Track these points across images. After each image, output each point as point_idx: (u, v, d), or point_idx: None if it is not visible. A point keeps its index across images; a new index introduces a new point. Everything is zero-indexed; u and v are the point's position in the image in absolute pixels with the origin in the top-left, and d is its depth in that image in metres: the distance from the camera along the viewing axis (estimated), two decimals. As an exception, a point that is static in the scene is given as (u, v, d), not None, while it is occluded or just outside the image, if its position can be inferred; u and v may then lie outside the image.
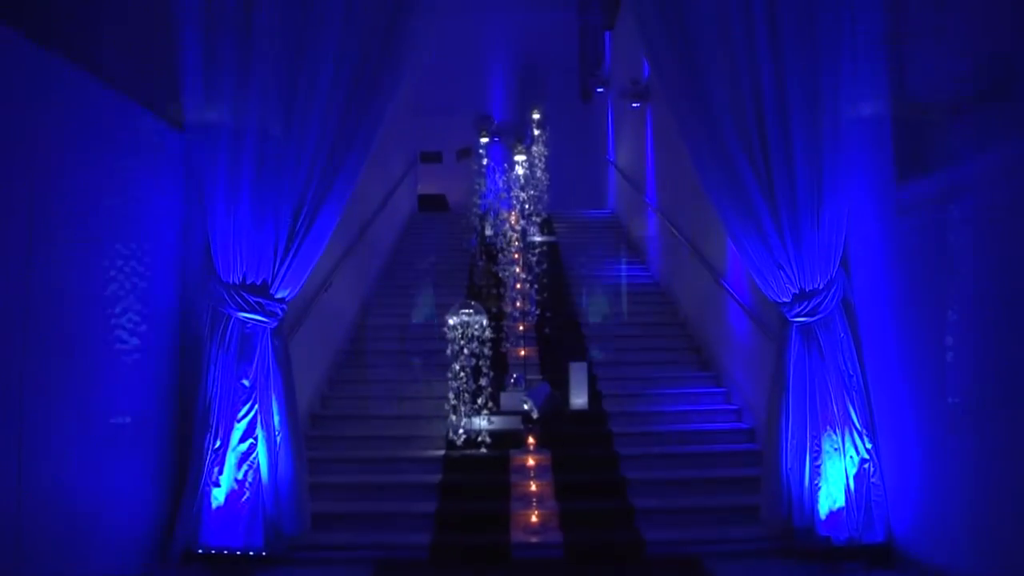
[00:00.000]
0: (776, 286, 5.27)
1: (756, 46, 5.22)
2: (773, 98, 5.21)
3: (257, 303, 5.04)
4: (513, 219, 9.37)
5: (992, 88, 4.16)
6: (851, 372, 5.16)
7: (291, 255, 5.13)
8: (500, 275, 9.34)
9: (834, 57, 5.15)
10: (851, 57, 5.18)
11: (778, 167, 5.20)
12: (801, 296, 5.20)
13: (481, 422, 7.24)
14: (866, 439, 5.08)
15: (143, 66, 5.19)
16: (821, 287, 5.20)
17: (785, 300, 5.25)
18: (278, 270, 5.12)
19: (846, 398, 5.13)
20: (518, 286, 9.25)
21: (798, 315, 5.21)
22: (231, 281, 5.06)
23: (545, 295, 9.46)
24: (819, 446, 5.14)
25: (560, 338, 9.18)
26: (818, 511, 5.12)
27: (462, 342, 7.38)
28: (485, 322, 7.44)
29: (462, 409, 7.22)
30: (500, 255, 9.42)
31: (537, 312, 9.29)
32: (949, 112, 4.56)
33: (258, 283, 5.09)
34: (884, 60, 5.04)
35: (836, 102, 5.16)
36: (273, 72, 5.11)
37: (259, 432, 5.06)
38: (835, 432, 5.12)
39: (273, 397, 5.14)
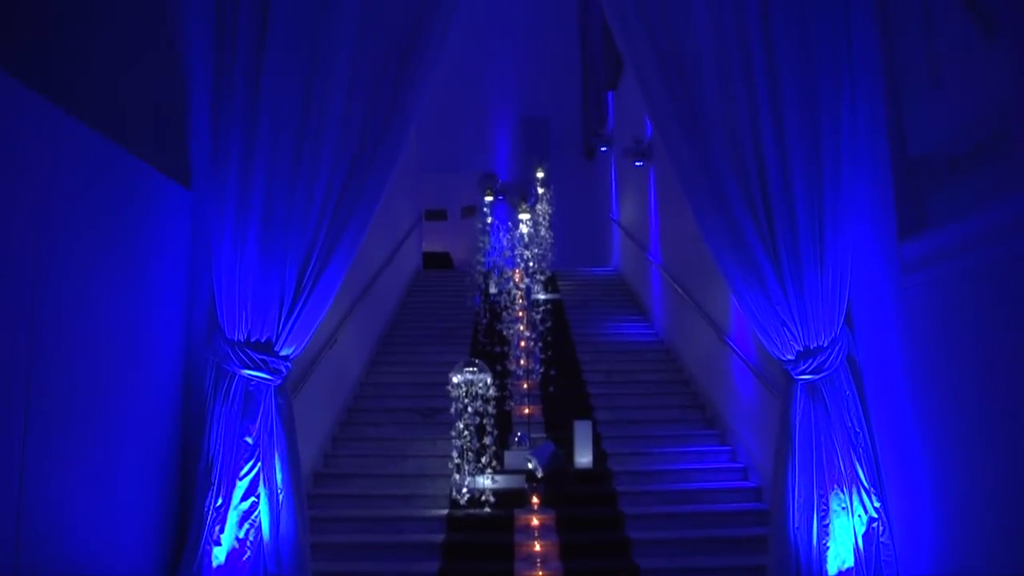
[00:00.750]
0: (780, 343, 5.26)
1: (757, 104, 5.28)
2: (775, 155, 5.26)
3: (261, 360, 5.03)
4: (517, 277, 9.41)
5: (989, 143, 4.20)
6: (857, 430, 5.13)
7: (296, 312, 5.14)
8: (504, 333, 9.37)
9: (834, 114, 5.22)
10: (851, 114, 5.24)
11: (781, 224, 5.23)
12: (806, 354, 5.18)
13: (485, 481, 7.19)
14: (874, 498, 5.02)
15: (150, 123, 5.27)
16: (826, 344, 5.18)
17: (789, 358, 5.24)
18: (283, 327, 5.13)
19: (853, 456, 5.08)
20: (522, 344, 9.27)
21: (803, 373, 5.18)
22: (236, 338, 5.06)
23: (549, 353, 9.46)
24: (827, 505, 5.08)
25: (564, 396, 9.15)
26: (826, 572, 5.03)
27: (466, 400, 7.36)
28: (489, 380, 7.43)
29: (466, 468, 7.18)
30: (504, 313, 9.45)
31: (541, 370, 9.29)
32: (948, 168, 4.60)
33: (263, 340, 5.09)
34: (883, 117, 5.10)
35: (837, 159, 5.21)
36: (281, 128, 5.17)
37: (261, 490, 5.02)
38: (842, 491, 5.07)
39: (276, 455, 5.11)
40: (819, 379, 5.20)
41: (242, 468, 5.02)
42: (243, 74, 5.20)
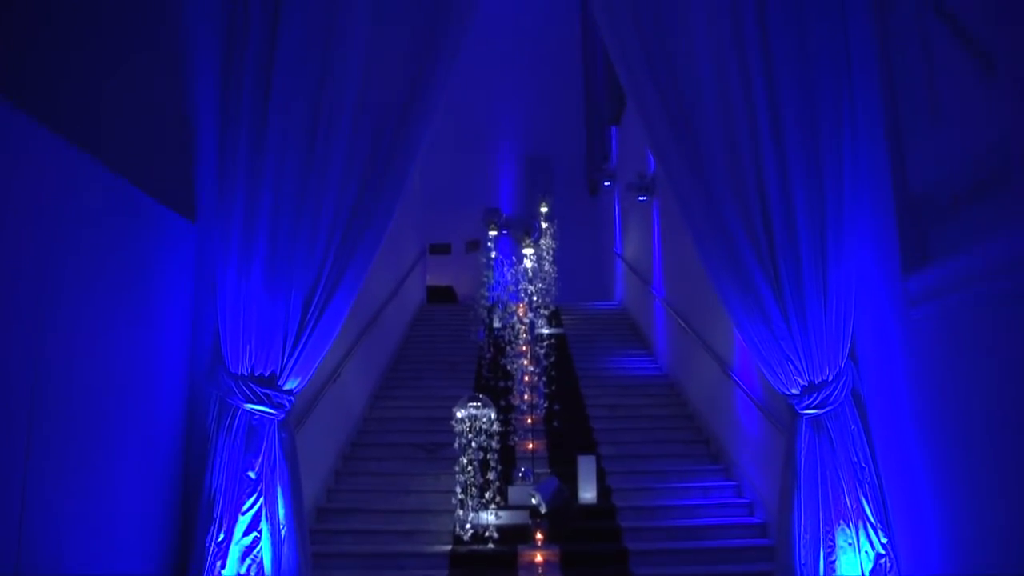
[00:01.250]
0: (784, 378, 5.25)
1: (759, 138, 5.32)
2: (777, 189, 5.29)
3: (265, 395, 5.03)
4: (521, 311, 9.41)
5: (991, 178, 4.22)
6: (863, 465, 5.09)
7: (300, 346, 5.14)
8: (508, 368, 9.35)
9: (836, 150, 5.25)
10: (852, 150, 5.27)
11: (784, 258, 5.24)
12: (810, 388, 5.17)
13: (489, 516, 7.14)
14: (881, 533, 4.98)
15: (155, 157, 5.31)
16: (830, 379, 5.17)
17: (794, 392, 5.22)
18: (287, 361, 5.12)
19: (859, 491, 5.04)
20: (526, 379, 9.24)
21: (807, 407, 5.17)
22: (239, 372, 5.05)
23: (553, 387, 9.43)
24: (833, 541, 5.04)
25: (568, 431, 9.11)
26: (834, 609, 5.00)
27: (470, 435, 7.33)
28: (493, 415, 7.41)
29: (469, 503, 7.14)
30: (508, 347, 9.43)
31: (545, 405, 9.27)
32: (950, 203, 4.61)
33: (266, 374, 5.08)
34: (885, 153, 5.12)
35: (839, 194, 5.23)
36: (286, 160, 5.21)
37: (264, 525, 4.99)
38: (849, 526, 5.03)
39: (279, 490, 5.08)
40: (824, 413, 5.17)
41: (244, 503, 4.99)
42: (249, 109, 5.25)
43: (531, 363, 9.24)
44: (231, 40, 5.35)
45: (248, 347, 5.09)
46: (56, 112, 4.25)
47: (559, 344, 11.05)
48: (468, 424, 7.33)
